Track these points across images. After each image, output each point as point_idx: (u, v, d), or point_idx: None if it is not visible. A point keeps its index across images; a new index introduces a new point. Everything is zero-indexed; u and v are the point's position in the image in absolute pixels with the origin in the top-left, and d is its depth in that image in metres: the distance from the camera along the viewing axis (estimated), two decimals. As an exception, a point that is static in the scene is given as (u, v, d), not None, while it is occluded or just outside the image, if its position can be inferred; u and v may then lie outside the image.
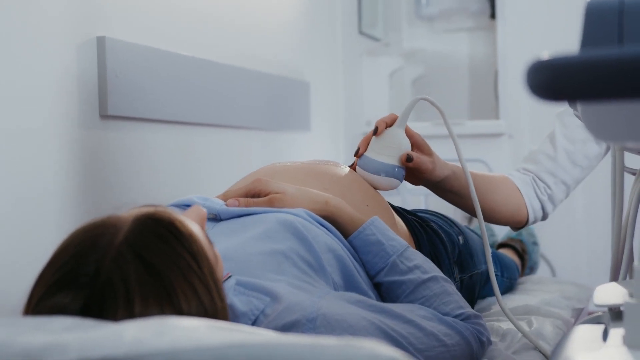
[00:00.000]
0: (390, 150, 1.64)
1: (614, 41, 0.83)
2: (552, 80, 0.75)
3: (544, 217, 1.87)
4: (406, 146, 1.64)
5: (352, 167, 1.70)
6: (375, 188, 1.66)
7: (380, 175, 1.64)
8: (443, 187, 1.71)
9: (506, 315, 1.56)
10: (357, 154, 1.68)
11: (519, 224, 1.85)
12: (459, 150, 1.64)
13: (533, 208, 1.82)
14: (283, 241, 1.31)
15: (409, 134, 1.66)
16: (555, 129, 1.84)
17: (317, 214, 1.43)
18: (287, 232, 1.33)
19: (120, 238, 0.96)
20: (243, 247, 1.31)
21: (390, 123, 1.66)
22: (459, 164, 1.69)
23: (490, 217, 1.81)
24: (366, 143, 1.68)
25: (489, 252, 1.62)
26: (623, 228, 1.68)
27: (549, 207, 1.85)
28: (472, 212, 1.74)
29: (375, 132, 1.64)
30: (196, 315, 0.94)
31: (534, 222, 1.86)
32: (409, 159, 1.62)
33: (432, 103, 1.63)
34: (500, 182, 1.81)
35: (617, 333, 0.95)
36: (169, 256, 0.96)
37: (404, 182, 2.72)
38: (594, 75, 0.74)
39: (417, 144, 1.67)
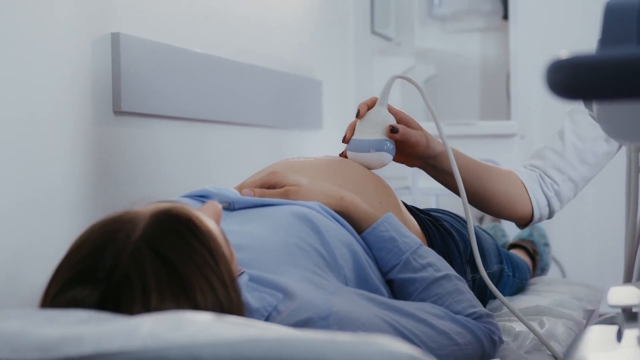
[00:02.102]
0: (375, 127, 1.65)
1: (633, 40, 0.82)
2: (571, 79, 0.74)
3: (550, 214, 1.83)
4: (390, 121, 1.65)
5: (343, 154, 1.70)
6: (369, 168, 1.66)
7: (369, 152, 1.64)
8: (439, 167, 1.69)
9: (513, 313, 1.55)
10: (345, 140, 1.69)
11: (522, 220, 1.82)
12: (438, 124, 1.64)
13: (538, 204, 1.79)
14: (297, 233, 1.31)
15: (393, 112, 1.67)
16: (565, 126, 1.81)
17: (331, 209, 1.43)
18: (301, 224, 1.33)
19: (138, 233, 0.96)
20: (256, 238, 1.31)
21: (371, 105, 1.67)
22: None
23: (490, 208, 1.78)
24: (352, 128, 1.69)
25: (472, 232, 1.59)
26: (637, 228, 1.67)
27: (555, 204, 1.81)
28: (469, 198, 1.73)
29: (358, 115, 1.65)
30: (212, 311, 0.94)
31: (540, 219, 1.82)
32: (394, 130, 1.62)
33: (409, 80, 1.65)
34: (504, 173, 1.78)
35: (631, 334, 0.95)
36: (186, 252, 0.97)
37: (415, 182, 2.68)
38: (613, 75, 0.73)
39: (402, 120, 1.67)
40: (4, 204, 1.43)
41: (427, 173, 1.75)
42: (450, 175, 1.66)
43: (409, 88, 3.90)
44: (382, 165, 1.66)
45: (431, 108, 1.65)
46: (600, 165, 1.82)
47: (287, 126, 2.65)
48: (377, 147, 1.64)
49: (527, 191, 1.79)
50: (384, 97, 1.66)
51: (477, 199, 1.75)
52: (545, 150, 1.83)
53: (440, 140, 1.67)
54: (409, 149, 1.66)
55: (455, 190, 1.71)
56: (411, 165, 1.74)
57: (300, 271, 1.24)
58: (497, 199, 1.76)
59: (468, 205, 1.62)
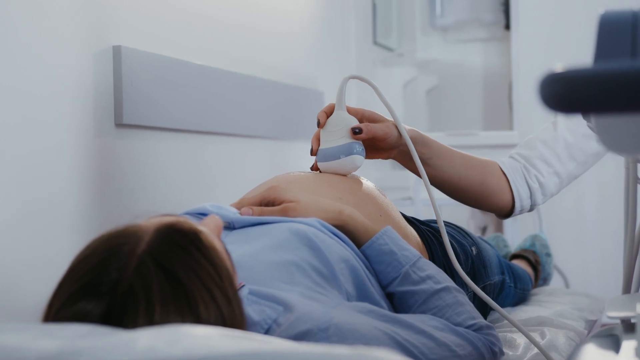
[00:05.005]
0: (339, 132, 1.63)
1: (627, 53, 0.83)
2: (564, 93, 0.75)
3: (532, 206, 1.79)
4: (352, 122, 1.63)
5: (314, 167, 1.69)
6: (343, 174, 1.65)
7: (339, 158, 1.62)
8: (409, 154, 1.65)
9: (512, 323, 1.55)
10: (313, 152, 1.67)
11: (502, 211, 1.78)
12: (394, 115, 1.63)
13: (520, 195, 1.75)
14: (295, 251, 1.31)
15: (353, 112, 1.65)
16: (558, 119, 1.79)
17: (330, 224, 1.43)
18: (299, 243, 1.33)
19: (143, 247, 0.97)
20: (255, 257, 1.31)
21: (330, 111, 1.66)
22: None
23: (466, 197, 1.76)
24: (317, 139, 1.67)
25: (439, 217, 1.58)
26: (636, 240, 1.67)
27: (538, 196, 1.77)
28: (443, 186, 1.72)
29: (319, 124, 1.64)
30: (215, 325, 0.95)
31: (521, 211, 1.78)
32: (358, 131, 1.61)
33: (363, 80, 1.65)
34: (482, 163, 1.75)
35: (629, 345, 0.95)
36: (191, 266, 0.97)
37: (417, 192, 2.67)
38: (606, 88, 0.74)
39: (365, 117, 1.66)
40: (5, 215, 1.44)
41: (401, 163, 1.73)
42: (425, 163, 1.65)
43: (413, 98, 3.91)
44: (356, 169, 1.65)
45: (388, 105, 1.64)
46: (587, 164, 1.79)
47: (289, 137, 2.65)
48: (346, 151, 1.62)
49: (508, 182, 1.75)
50: (340, 100, 1.65)
51: (452, 188, 1.73)
52: (536, 140, 1.80)
53: (411, 128, 1.66)
54: (381, 143, 1.64)
55: (434, 182, 1.70)
56: (386, 158, 1.72)
57: (299, 289, 1.25)
58: (474, 188, 1.73)
59: (432, 188, 1.61)
